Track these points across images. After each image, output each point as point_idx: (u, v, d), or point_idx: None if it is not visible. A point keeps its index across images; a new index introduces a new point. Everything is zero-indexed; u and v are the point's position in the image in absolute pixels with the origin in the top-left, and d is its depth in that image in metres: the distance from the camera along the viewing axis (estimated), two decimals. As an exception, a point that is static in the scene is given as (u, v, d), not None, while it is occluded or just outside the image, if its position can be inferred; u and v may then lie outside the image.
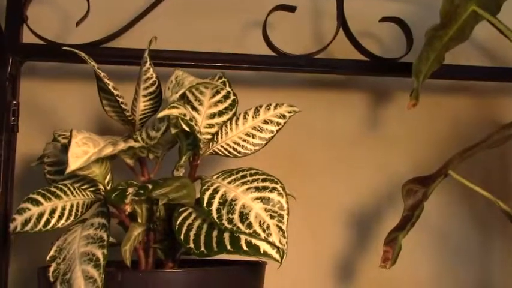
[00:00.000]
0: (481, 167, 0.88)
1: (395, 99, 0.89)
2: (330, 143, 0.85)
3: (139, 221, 0.58)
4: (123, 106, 0.57)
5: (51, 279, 0.51)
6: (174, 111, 0.51)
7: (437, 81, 0.88)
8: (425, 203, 0.83)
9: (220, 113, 0.62)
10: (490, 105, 0.92)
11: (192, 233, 0.53)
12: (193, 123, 0.53)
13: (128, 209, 0.50)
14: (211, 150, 0.59)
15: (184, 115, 0.52)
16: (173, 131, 0.54)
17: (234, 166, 0.58)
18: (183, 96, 0.58)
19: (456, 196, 0.87)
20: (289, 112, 0.61)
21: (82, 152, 0.52)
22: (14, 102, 0.70)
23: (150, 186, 0.50)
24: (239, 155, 0.59)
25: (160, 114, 0.51)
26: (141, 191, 0.50)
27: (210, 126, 0.61)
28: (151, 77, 0.59)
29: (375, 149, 0.86)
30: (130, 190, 0.50)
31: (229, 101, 0.63)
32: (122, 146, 0.53)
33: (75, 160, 0.51)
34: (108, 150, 0.52)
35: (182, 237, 0.53)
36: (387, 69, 0.81)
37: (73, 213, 0.54)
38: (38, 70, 0.78)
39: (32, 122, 0.77)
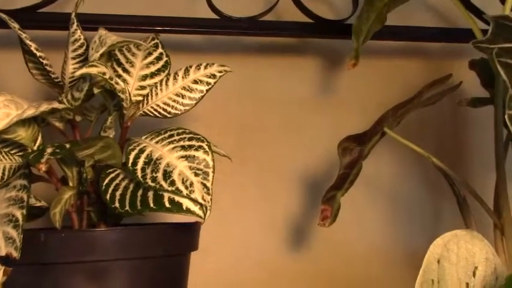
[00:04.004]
0: (434, 135, 0.88)
1: (347, 63, 0.89)
2: (282, 108, 0.85)
3: (70, 184, 0.58)
4: (47, 68, 0.56)
5: (-25, 242, 0.51)
6: (93, 70, 0.51)
7: (388, 44, 0.88)
8: (378, 167, 0.83)
9: (152, 75, 0.61)
10: (441, 68, 0.92)
11: (118, 193, 0.53)
12: (113, 82, 0.52)
13: (43, 168, 0.50)
14: (141, 112, 0.59)
15: (104, 73, 0.51)
16: (95, 91, 0.54)
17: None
18: (110, 57, 0.58)
19: (408, 159, 0.88)
20: (220, 72, 0.60)
21: (4, 114, 0.51)
22: None
23: (68, 146, 0.50)
24: (169, 115, 0.59)
25: (78, 72, 0.50)
26: (58, 150, 0.49)
27: (142, 88, 0.61)
28: (79, 39, 0.58)
29: (328, 113, 0.86)
30: (49, 150, 0.50)
31: (161, 63, 0.62)
32: (45, 107, 0.52)
33: (-3, 123, 0.51)
34: (30, 112, 0.52)
35: (108, 197, 0.53)
36: (334, 31, 0.80)
37: (-1, 177, 0.54)
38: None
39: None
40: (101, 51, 0.52)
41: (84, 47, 0.59)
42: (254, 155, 0.83)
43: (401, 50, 0.90)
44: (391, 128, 0.68)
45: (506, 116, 0.43)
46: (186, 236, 0.57)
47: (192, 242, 0.59)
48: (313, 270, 0.85)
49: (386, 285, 0.86)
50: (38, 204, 0.60)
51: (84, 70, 0.50)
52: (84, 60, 0.59)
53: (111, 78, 0.52)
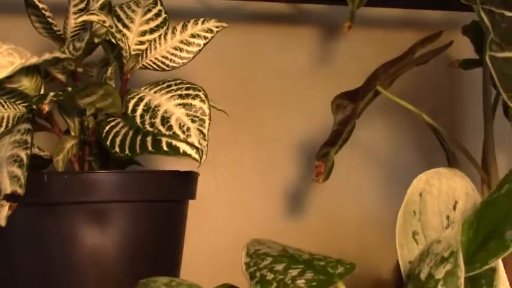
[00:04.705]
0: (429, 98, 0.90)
1: (346, 33, 0.91)
2: (281, 76, 0.87)
3: (72, 134, 0.60)
4: (49, 20, 0.59)
5: (-19, 184, 0.53)
6: (93, 18, 0.53)
7: (387, 13, 0.89)
8: (374, 136, 0.85)
9: (152, 31, 0.63)
10: (440, 40, 0.94)
11: (118, 139, 0.55)
12: (113, 30, 0.54)
13: (46, 108, 0.52)
14: (140, 65, 0.61)
15: (104, 21, 0.53)
16: (96, 40, 0.56)
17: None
18: (110, 13, 0.60)
19: (404, 127, 0.90)
20: (217, 27, 0.62)
21: (7, 62, 0.54)
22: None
23: (70, 89, 0.52)
24: (167, 68, 0.61)
25: (79, 19, 0.53)
26: (60, 93, 0.51)
27: (141, 43, 0.63)
28: (80, -7, 0.60)
29: (326, 82, 0.88)
30: (52, 93, 0.52)
31: (160, 19, 0.64)
32: (47, 55, 0.54)
33: (1, 70, 0.53)
34: (34, 60, 0.54)
35: (108, 142, 0.55)
36: (329, -4, 0.82)
37: (3, 125, 0.56)
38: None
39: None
40: (101, 1, 0.54)
41: (85, 2, 0.61)
42: (252, 122, 0.85)
43: (399, 20, 0.91)
44: (384, 87, 0.70)
45: (487, 57, 0.45)
46: (184, 183, 0.60)
47: (190, 190, 0.61)
48: (308, 238, 0.87)
49: (380, 253, 0.88)
50: (42, 154, 0.62)
51: (85, 17, 0.53)
52: (84, 14, 0.61)
53: (111, 27, 0.54)
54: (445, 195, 0.44)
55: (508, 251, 0.37)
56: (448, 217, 0.43)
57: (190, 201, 0.63)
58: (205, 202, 0.82)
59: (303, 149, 0.88)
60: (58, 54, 0.56)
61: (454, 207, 0.43)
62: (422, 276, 0.36)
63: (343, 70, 0.89)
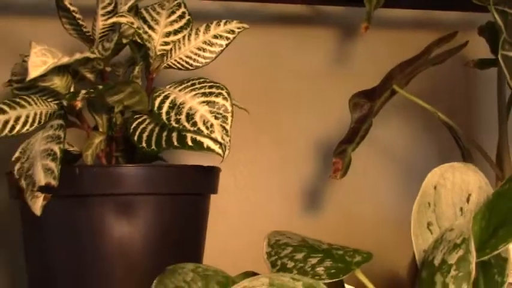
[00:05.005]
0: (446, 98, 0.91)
1: (363, 34, 0.92)
2: (298, 77, 0.89)
3: (100, 130, 0.63)
4: (80, 22, 0.62)
5: (16, 176, 0.57)
6: (122, 19, 0.56)
7: (402, 16, 0.91)
8: (391, 136, 0.86)
9: (176, 32, 0.66)
10: (456, 41, 0.95)
11: (144, 135, 0.58)
12: (140, 31, 0.57)
13: (79, 104, 0.55)
14: (165, 64, 0.64)
15: (132, 23, 0.56)
16: (124, 41, 0.59)
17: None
18: (136, 13, 0.63)
19: (420, 126, 0.91)
20: (238, 28, 0.65)
21: (41, 61, 0.56)
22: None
23: (100, 87, 0.55)
24: (191, 67, 0.64)
25: (109, 21, 0.56)
26: (92, 90, 0.54)
27: (166, 43, 0.66)
28: (108, -3, 0.63)
29: (343, 83, 0.90)
30: (83, 91, 0.55)
31: (184, 21, 0.67)
32: (78, 55, 0.57)
33: (35, 69, 0.56)
34: (65, 60, 0.57)
35: (136, 138, 0.58)
36: (346, -1, 0.83)
37: (36, 121, 0.59)
38: (13, 6, 0.81)
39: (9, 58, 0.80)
40: (129, 4, 0.57)
41: (113, 5, 0.64)
42: (270, 121, 0.88)
43: (414, 20, 0.93)
44: (400, 86, 0.71)
45: (499, 56, 0.47)
46: (207, 177, 0.62)
47: (212, 184, 0.63)
48: (325, 235, 0.88)
49: (397, 251, 0.90)
50: (71, 149, 0.65)
51: (114, 19, 0.56)
52: (112, 17, 0.64)
53: (138, 28, 0.57)
54: (458, 188, 0.46)
55: (517, 238, 0.39)
56: (461, 209, 0.45)
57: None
58: (224, 199, 0.85)
59: (320, 148, 0.90)
60: (88, 54, 0.59)
61: (468, 200, 0.45)
62: (436, 262, 0.38)
63: (359, 70, 0.91)
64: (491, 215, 0.40)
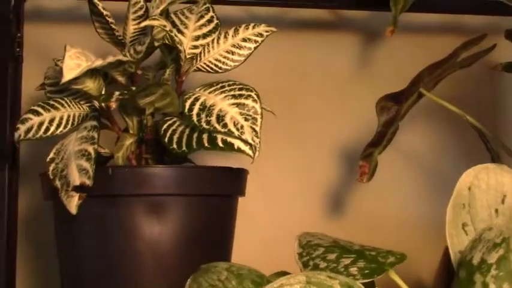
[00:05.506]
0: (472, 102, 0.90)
1: (387, 39, 0.92)
2: (323, 81, 0.89)
3: (131, 132, 0.64)
4: (112, 26, 0.63)
5: (51, 177, 0.58)
6: (155, 22, 0.57)
7: (427, 20, 0.91)
8: (417, 140, 0.86)
9: (204, 36, 0.67)
10: (481, 45, 0.94)
11: (175, 136, 0.59)
12: (173, 34, 0.58)
13: (114, 105, 0.56)
14: (194, 67, 0.65)
15: (165, 26, 0.57)
16: (156, 44, 0.60)
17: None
18: (167, 17, 0.64)
19: (447, 130, 0.91)
20: (267, 31, 0.65)
21: (75, 64, 0.58)
22: (19, 34, 0.76)
23: (134, 89, 0.56)
24: (220, 70, 0.64)
25: (142, 24, 0.57)
26: (125, 92, 0.55)
27: (195, 47, 0.67)
28: (139, 1, 0.64)
29: (367, 87, 0.90)
30: (117, 92, 0.56)
31: (212, 25, 0.68)
32: (111, 58, 0.59)
33: (69, 72, 0.57)
34: (99, 63, 0.58)
35: (166, 139, 0.59)
36: (372, 3, 0.84)
37: (70, 123, 0.61)
38: (45, 12, 0.83)
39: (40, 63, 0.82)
40: (161, 7, 0.58)
41: (143, 9, 0.65)
42: (296, 125, 0.88)
43: (439, 25, 0.93)
44: (427, 89, 0.71)
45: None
46: (235, 179, 0.63)
47: (240, 186, 0.64)
48: (348, 239, 0.89)
49: (420, 257, 0.89)
50: (102, 151, 0.66)
51: (147, 22, 0.57)
52: (143, 21, 0.65)
53: (171, 31, 0.58)
54: (493, 189, 0.45)
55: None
56: (496, 210, 0.45)
57: (236, 199, 0.66)
58: (249, 201, 0.85)
59: (344, 152, 0.90)
60: (120, 57, 0.60)
61: (503, 201, 0.45)
62: (475, 261, 0.38)
63: (383, 75, 0.91)
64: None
